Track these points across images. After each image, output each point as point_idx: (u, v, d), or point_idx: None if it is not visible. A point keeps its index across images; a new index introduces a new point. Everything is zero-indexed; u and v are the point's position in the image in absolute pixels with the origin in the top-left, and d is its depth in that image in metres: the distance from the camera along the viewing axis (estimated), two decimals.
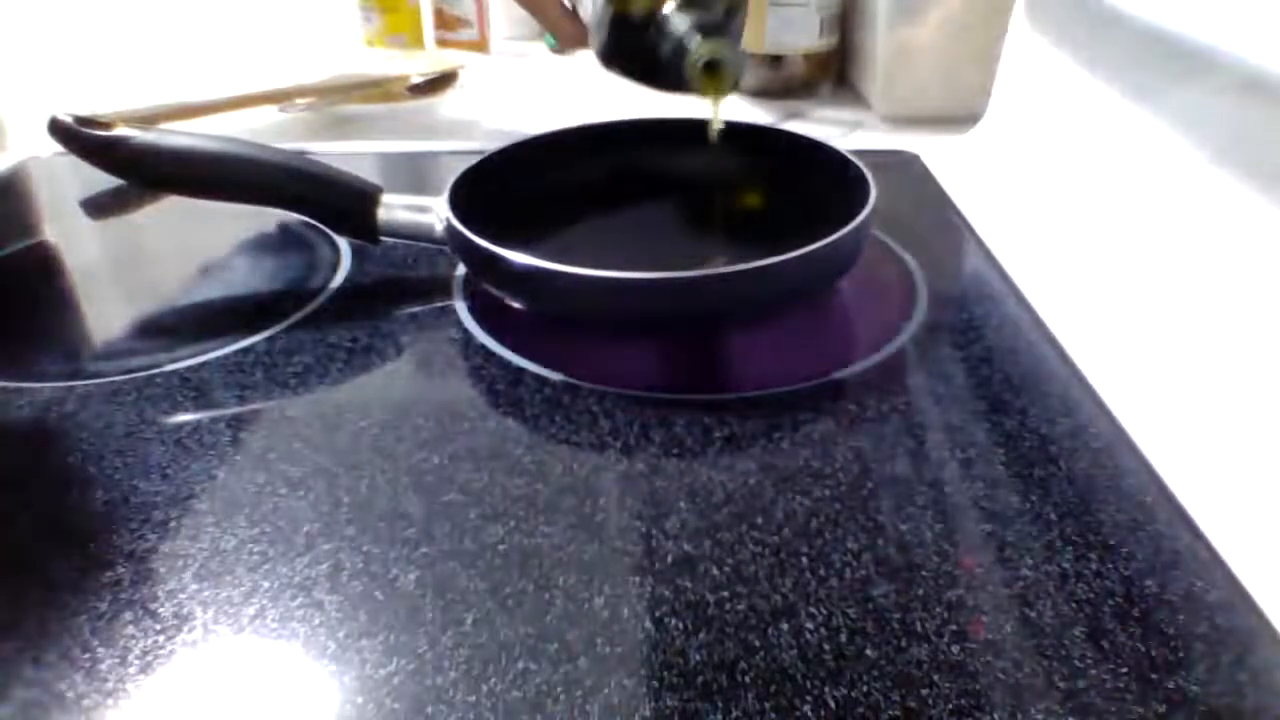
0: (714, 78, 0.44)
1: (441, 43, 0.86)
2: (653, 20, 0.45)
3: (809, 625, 0.26)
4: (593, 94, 0.74)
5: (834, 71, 0.74)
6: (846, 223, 0.38)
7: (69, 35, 0.82)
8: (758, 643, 0.25)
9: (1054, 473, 0.31)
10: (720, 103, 0.46)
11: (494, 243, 0.38)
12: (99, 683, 0.24)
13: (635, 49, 0.46)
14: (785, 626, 0.26)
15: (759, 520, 0.29)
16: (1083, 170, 0.45)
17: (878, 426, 0.34)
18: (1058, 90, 0.49)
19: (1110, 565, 0.27)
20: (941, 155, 0.58)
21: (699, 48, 0.43)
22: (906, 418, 0.34)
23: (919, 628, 0.25)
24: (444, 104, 0.72)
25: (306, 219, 0.47)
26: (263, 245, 0.49)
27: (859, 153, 0.45)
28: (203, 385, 0.37)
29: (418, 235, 0.43)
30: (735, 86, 0.45)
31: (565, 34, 0.60)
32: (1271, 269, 0.32)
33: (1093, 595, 0.26)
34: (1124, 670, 0.24)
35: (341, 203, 0.43)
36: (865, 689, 0.24)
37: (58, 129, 0.43)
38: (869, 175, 0.42)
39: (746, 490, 0.31)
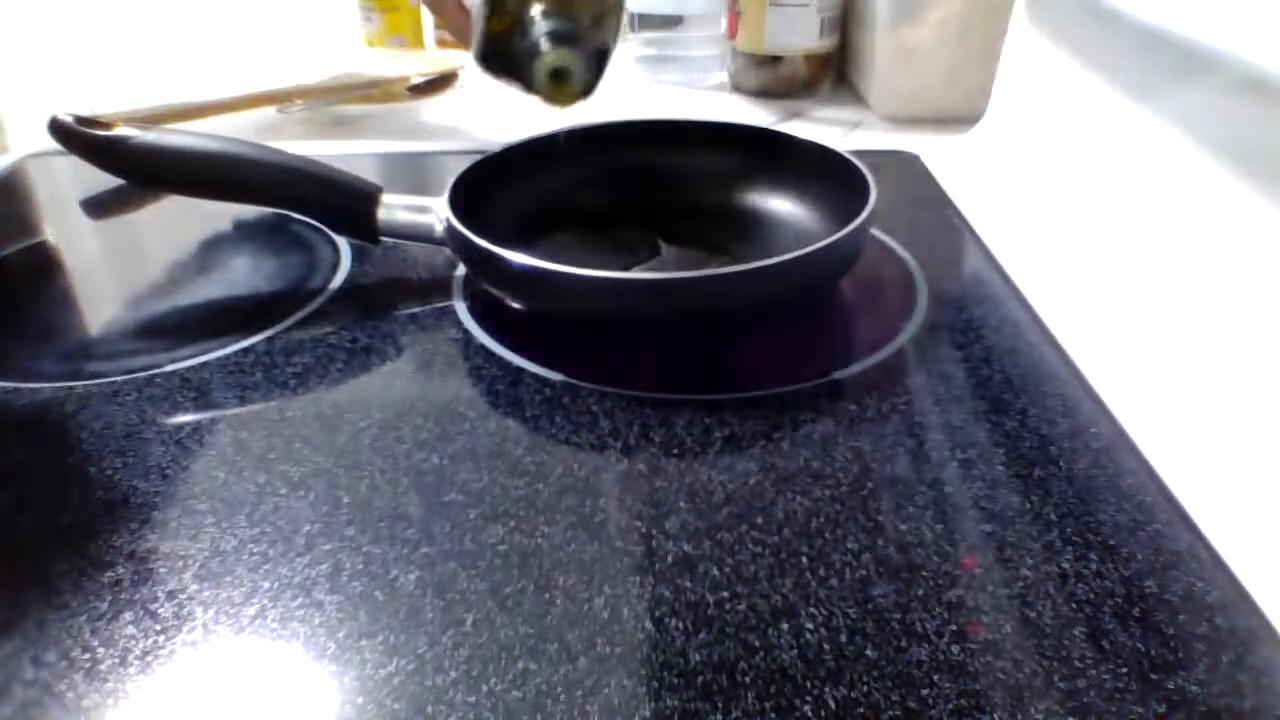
0: (561, 87, 0.44)
1: (441, 43, 0.86)
2: (519, 24, 0.45)
3: (809, 625, 0.26)
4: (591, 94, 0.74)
5: (834, 71, 0.74)
6: (846, 223, 0.38)
7: (69, 35, 0.82)
8: (758, 643, 0.25)
9: (1054, 473, 0.31)
10: (567, 110, 0.46)
11: (494, 243, 0.38)
12: (99, 683, 0.24)
13: (504, 52, 0.47)
14: (785, 626, 0.26)
15: (759, 520, 0.29)
16: (1083, 170, 0.45)
17: (878, 426, 0.34)
18: (1058, 90, 0.49)
19: (1110, 565, 0.27)
20: (941, 155, 0.58)
21: (546, 55, 0.43)
22: (906, 418, 0.34)
23: (919, 628, 0.25)
24: (444, 104, 0.72)
25: (306, 219, 0.47)
26: (263, 245, 0.49)
27: (859, 153, 0.45)
28: (203, 385, 0.37)
29: (418, 235, 0.43)
30: (584, 96, 0.46)
31: (461, 31, 0.59)
32: (1271, 269, 0.32)
33: (1093, 595, 0.26)
34: (1124, 670, 0.24)
35: (341, 203, 0.43)
36: (865, 689, 0.24)
37: (58, 129, 0.43)
38: (869, 175, 0.42)
39: (746, 490, 0.31)
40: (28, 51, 0.80)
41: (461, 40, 0.60)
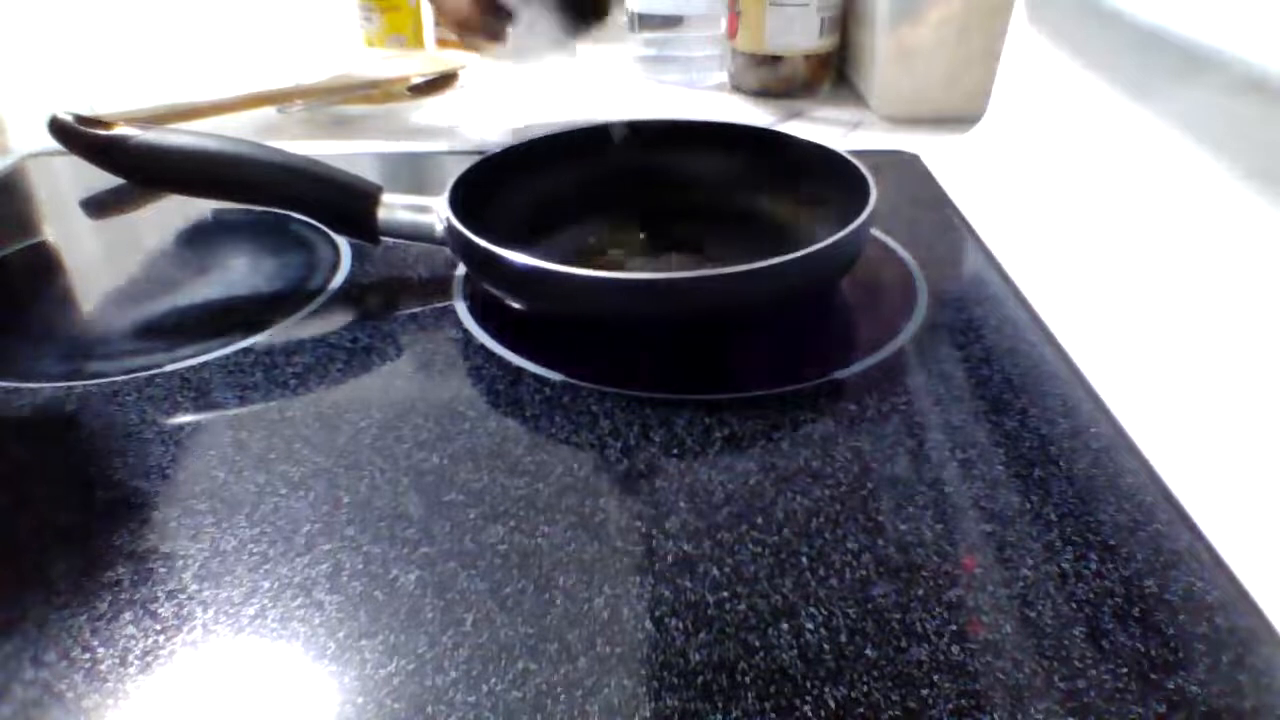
0: None
1: (441, 43, 0.86)
2: None
3: (809, 625, 0.26)
4: (593, 94, 0.74)
5: (834, 71, 0.74)
6: (846, 223, 0.38)
7: (69, 35, 0.82)
8: (758, 643, 0.25)
9: (1054, 473, 0.31)
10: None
11: (494, 243, 0.38)
12: (99, 683, 0.24)
13: None
14: (785, 626, 0.26)
15: (759, 520, 0.29)
16: (1083, 170, 0.45)
17: (878, 426, 0.34)
18: (1058, 90, 0.49)
19: (1110, 565, 0.27)
20: (941, 155, 0.58)
21: None
22: (906, 418, 0.34)
23: (919, 628, 0.25)
24: (444, 104, 0.72)
25: (306, 219, 0.47)
26: (263, 245, 0.49)
27: (859, 153, 0.45)
28: (203, 385, 0.37)
29: (418, 235, 0.43)
30: None
31: (470, 27, 0.57)
32: (1271, 269, 0.32)
33: (1093, 595, 0.26)
34: (1124, 670, 0.24)
35: (341, 203, 0.43)
36: (865, 689, 0.24)
37: (58, 129, 0.43)
38: (869, 175, 0.42)
39: (746, 490, 0.31)
40: (28, 51, 0.80)
41: (474, 34, 0.59)
